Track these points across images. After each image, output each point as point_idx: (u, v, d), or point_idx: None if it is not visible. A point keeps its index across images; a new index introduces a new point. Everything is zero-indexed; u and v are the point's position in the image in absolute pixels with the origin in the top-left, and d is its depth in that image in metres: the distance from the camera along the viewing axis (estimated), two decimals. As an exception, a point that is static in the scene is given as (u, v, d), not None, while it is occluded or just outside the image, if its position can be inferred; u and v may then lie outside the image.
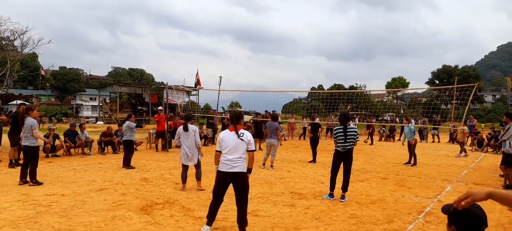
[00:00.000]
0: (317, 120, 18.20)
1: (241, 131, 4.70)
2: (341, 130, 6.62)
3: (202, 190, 7.17)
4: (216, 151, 4.80)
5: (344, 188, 6.67)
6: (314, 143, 12.08)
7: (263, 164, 10.46)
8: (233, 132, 4.67)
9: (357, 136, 6.73)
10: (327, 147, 16.38)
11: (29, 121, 7.46)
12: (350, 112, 30.65)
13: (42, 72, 39.65)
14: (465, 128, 15.20)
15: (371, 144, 19.31)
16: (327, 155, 12.99)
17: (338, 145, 6.66)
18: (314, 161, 11.78)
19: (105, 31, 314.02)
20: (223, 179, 4.66)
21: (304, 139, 21.38)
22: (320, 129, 13.78)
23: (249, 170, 4.74)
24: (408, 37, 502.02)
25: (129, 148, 10.18)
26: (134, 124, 10.36)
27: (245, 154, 4.67)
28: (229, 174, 4.59)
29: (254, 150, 4.79)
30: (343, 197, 6.64)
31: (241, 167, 4.61)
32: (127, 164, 9.88)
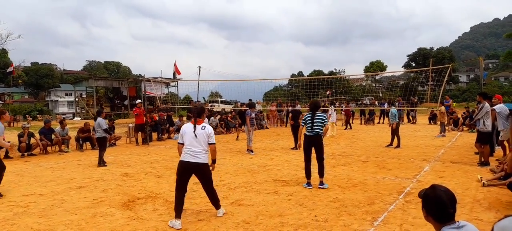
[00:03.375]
0: (298, 107, 18.33)
1: (203, 124, 4.90)
2: (309, 116, 6.65)
3: None
4: (178, 143, 4.97)
5: (321, 173, 6.60)
6: (295, 130, 12.17)
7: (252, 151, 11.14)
8: (195, 125, 4.86)
9: (326, 121, 6.75)
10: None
11: None
12: (331, 98, 30.98)
13: (11, 69, 38.11)
14: (442, 108, 15.62)
15: (347, 128, 19.24)
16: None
17: (307, 130, 6.67)
18: (296, 147, 11.85)
19: (75, 24, 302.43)
20: (185, 169, 4.80)
21: (285, 125, 21.52)
22: (301, 115, 13.88)
23: (214, 161, 5.03)
24: (381, 20, 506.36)
25: (102, 145, 9.66)
26: (105, 124, 9.78)
27: (207, 146, 4.86)
28: (191, 164, 4.74)
29: (215, 143, 4.95)
30: (321, 183, 6.57)
31: (203, 159, 4.79)
32: (100, 161, 9.43)
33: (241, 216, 5.03)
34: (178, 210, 4.76)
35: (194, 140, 4.78)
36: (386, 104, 23.10)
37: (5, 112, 7.21)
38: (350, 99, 30.02)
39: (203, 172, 4.86)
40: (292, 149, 11.88)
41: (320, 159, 6.62)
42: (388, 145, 11.93)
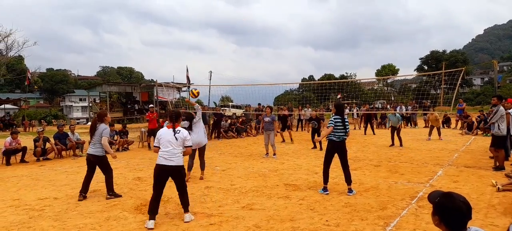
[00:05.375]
0: (309, 110, 18.57)
1: (178, 128, 5.14)
2: (340, 120, 6.40)
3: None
4: (154, 146, 5.24)
5: (348, 180, 6.44)
6: (315, 133, 12.91)
7: (266, 154, 11.35)
8: (171, 129, 5.12)
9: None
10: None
11: (101, 127, 6.55)
12: (342, 102, 30.78)
13: (28, 75, 38.94)
14: (436, 113, 15.85)
15: (367, 133, 18.79)
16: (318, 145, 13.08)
17: (335, 134, 6.39)
18: (320, 147, 12.53)
19: (87, 31, 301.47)
20: (161, 172, 5.01)
21: (296, 129, 21.50)
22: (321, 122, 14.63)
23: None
24: (391, 23, 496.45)
25: None
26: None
27: (183, 148, 5.11)
28: (166, 167, 4.97)
29: (191, 146, 5.26)
30: (350, 190, 6.39)
31: (178, 161, 5.02)
32: None
33: (252, 221, 5.04)
34: (152, 212, 4.93)
35: (170, 143, 5.01)
36: (398, 108, 22.79)
37: (106, 113, 6.97)
38: (362, 102, 29.76)
39: (178, 174, 5.07)
40: (312, 148, 12.75)
41: (347, 166, 6.46)
42: (391, 145, 12.94)
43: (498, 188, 6.32)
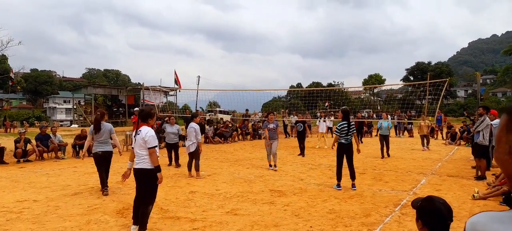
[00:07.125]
0: (295, 117, 18.62)
1: (141, 128, 4.64)
2: (346, 124, 7.24)
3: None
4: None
5: (353, 177, 7.33)
6: (301, 137, 13.15)
7: (270, 166, 10.12)
8: (136, 130, 4.76)
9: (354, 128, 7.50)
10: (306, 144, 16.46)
11: (107, 126, 7.09)
12: (328, 110, 30.99)
13: (12, 75, 38.15)
14: (426, 120, 15.66)
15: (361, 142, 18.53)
16: (307, 152, 13.13)
17: (342, 137, 7.24)
18: (301, 153, 12.77)
19: (73, 32, 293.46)
20: (134, 175, 4.73)
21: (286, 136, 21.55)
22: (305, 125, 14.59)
23: (156, 168, 4.58)
24: (378, 34, 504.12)
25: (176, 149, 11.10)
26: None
27: (146, 151, 4.58)
28: (135, 170, 4.67)
29: (152, 146, 4.55)
30: (354, 186, 7.29)
31: (143, 164, 4.59)
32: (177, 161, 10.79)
33: (236, 226, 5.00)
34: (135, 216, 4.74)
35: (136, 144, 4.65)
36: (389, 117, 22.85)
37: (105, 113, 7.48)
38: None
39: (141, 179, 4.63)
40: (299, 155, 12.72)
41: (351, 164, 7.35)
42: (382, 158, 12.13)
43: (473, 195, 6.50)
